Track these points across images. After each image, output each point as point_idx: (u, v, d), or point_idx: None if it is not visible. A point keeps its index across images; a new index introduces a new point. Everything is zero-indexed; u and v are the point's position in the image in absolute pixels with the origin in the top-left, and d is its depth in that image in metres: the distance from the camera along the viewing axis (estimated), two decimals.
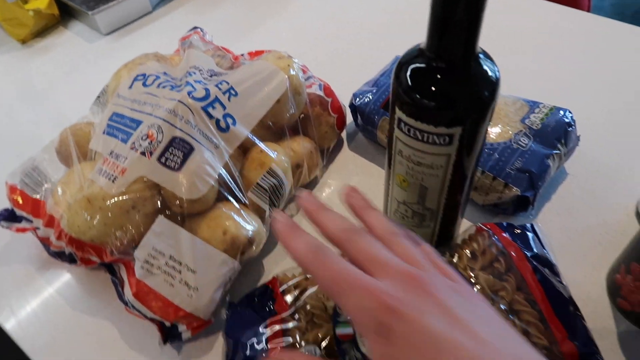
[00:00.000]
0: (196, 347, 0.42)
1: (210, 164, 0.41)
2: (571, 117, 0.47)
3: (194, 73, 0.46)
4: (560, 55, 0.66)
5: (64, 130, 0.49)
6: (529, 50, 0.67)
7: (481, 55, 0.31)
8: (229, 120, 0.43)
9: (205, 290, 0.39)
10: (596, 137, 0.54)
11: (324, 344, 0.35)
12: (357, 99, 0.54)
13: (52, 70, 0.71)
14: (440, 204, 0.38)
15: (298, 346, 0.35)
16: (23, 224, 0.46)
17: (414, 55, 0.32)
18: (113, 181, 0.40)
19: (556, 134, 0.46)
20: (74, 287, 0.47)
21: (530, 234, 0.40)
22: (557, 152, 0.46)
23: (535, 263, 0.38)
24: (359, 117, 0.55)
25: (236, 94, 0.44)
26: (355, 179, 0.54)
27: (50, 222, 0.43)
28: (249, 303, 0.41)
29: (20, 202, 0.45)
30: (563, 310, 0.35)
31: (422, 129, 0.32)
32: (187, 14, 0.80)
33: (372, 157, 0.56)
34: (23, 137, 0.62)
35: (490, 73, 0.31)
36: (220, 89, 0.44)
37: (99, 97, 0.51)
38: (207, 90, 0.43)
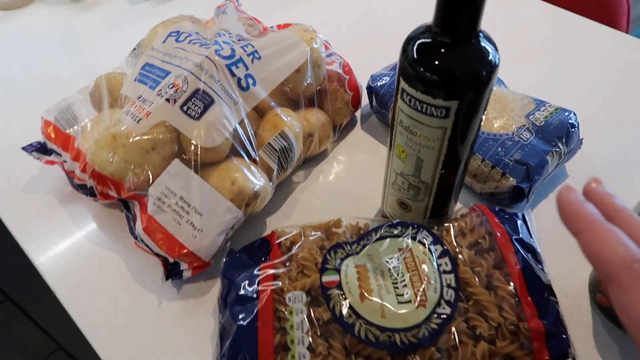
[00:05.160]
0: (194, 288, 0.45)
1: (227, 117, 0.44)
2: (575, 118, 0.49)
3: (223, 35, 0.49)
4: (574, 64, 0.67)
5: (99, 77, 0.53)
6: (546, 59, 0.69)
7: (483, 37, 0.33)
8: (250, 81, 0.46)
9: (209, 233, 0.42)
10: (600, 144, 0.55)
11: (311, 292, 0.38)
12: (374, 81, 0.56)
13: (95, 26, 0.75)
14: (434, 178, 0.40)
15: (286, 290, 0.38)
16: (52, 157, 0.50)
17: (421, 31, 0.34)
18: (137, 122, 0.43)
19: (558, 132, 0.48)
20: (91, 221, 0.50)
21: (519, 221, 0.42)
22: (557, 149, 0.48)
23: (517, 245, 0.40)
24: (374, 99, 0.57)
25: (259, 58, 0.47)
26: (362, 156, 0.56)
27: (77, 155, 0.47)
28: (247, 251, 0.44)
29: (53, 135, 0.49)
30: (538, 292, 0.37)
31: (421, 99, 0.34)
32: None
33: (382, 139, 0.58)
34: (63, 83, 0.66)
35: (489, 54, 0.33)
36: (245, 50, 0.47)
37: (134, 49, 0.54)
38: (233, 50, 0.46)
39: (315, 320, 0.36)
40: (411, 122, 0.37)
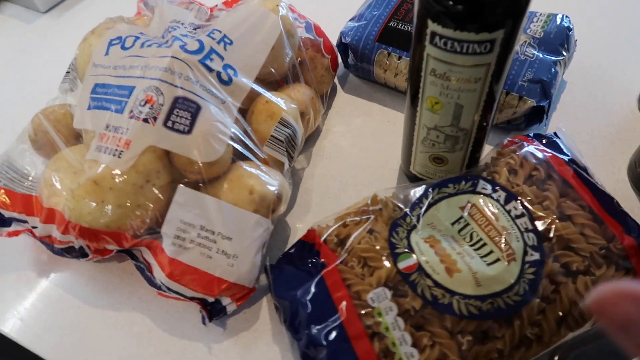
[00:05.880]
0: (241, 319, 0.39)
1: (221, 121, 0.38)
2: (568, 20, 0.47)
3: (177, 27, 0.41)
4: None
5: (35, 117, 0.43)
6: None
7: None
8: (230, 72, 0.40)
9: (246, 256, 0.36)
10: (586, 42, 0.54)
11: (388, 284, 0.33)
12: (347, 37, 0.51)
13: None
14: (474, 122, 0.36)
15: (362, 291, 0.33)
16: (14, 227, 0.41)
17: None
18: (119, 156, 0.35)
19: (559, 39, 0.46)
20: (88, 285, 0.42)
21: (559, 141, 0.40)
22: (562, 58, 0.46)
23: (574, 166, 0.37)
24: (350, 55, 0.52)
25: (231, 42, 0.40)
26: (358, 121, 0.52)
27: (50, 217, 0.38)
28: (288, 262, 0.39)
29: (8, 201, 0.40)
30: (611, 208, 0.35)
31: (461, 38, 0.30)
32: None
33: (369, 97, 0.53)
34: None
35: None
36: (213, 38, 0.40)
37: (68, 72, 0.45)
38: (200, 41, 0.39)
39: (406, 313, 0.32)
40: (447, 68, 0.32)
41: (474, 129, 0.37)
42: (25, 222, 0.40)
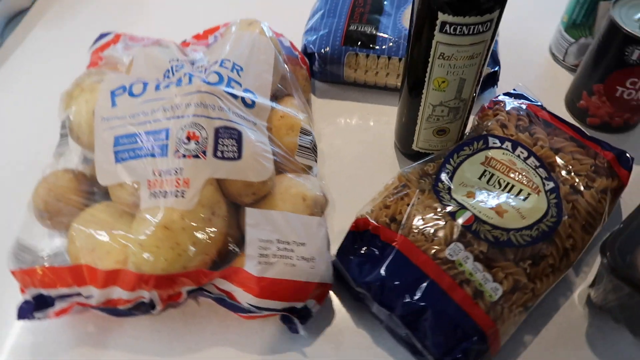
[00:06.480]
0: (320, 318, 0.42)
1: (261, 141, 0.40)
2: None
3: (181, 66, 0.42)
4: None
5: (39, 187, 0.41)
6: None
7: None
8: (250, 96, 0.42)
9: (321, 256, 0.39)
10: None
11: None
12: (313, 46, 0.55)
13: None
14: (472, 91, 0.43)
15: (436, 251, 0.38)
16: (60, 305, 0.38)
17: None
18: (182, 196, 0.36)
19: None
20: (153, 339, 0.41)
21: (524, 94, 0.49)
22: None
23: (546, 109, 0.46)
24: (316, 63, 0.56)
25: (241, 69, 0.42)
26: (342, 121, 0.56)
27: (111, 279, 0.37)
28: (347, 253, 0.42)
29: (53, 279, 0.37)
30: (584, 134, 0.45)
31: (469, 22, 0.36)
32: (42, 30, 0.68)
33: (343, 97, 0.58)
34: None
35: None
36: (226, 67, 0.41)
37: (65, 136, 0.43)
38: (217, 73, 0.41)
39: (476, 258, 0.38)
40: (454, 50, 0.38)
41: (470, 98, 0.44)
42: (74, 295, 0.38)
